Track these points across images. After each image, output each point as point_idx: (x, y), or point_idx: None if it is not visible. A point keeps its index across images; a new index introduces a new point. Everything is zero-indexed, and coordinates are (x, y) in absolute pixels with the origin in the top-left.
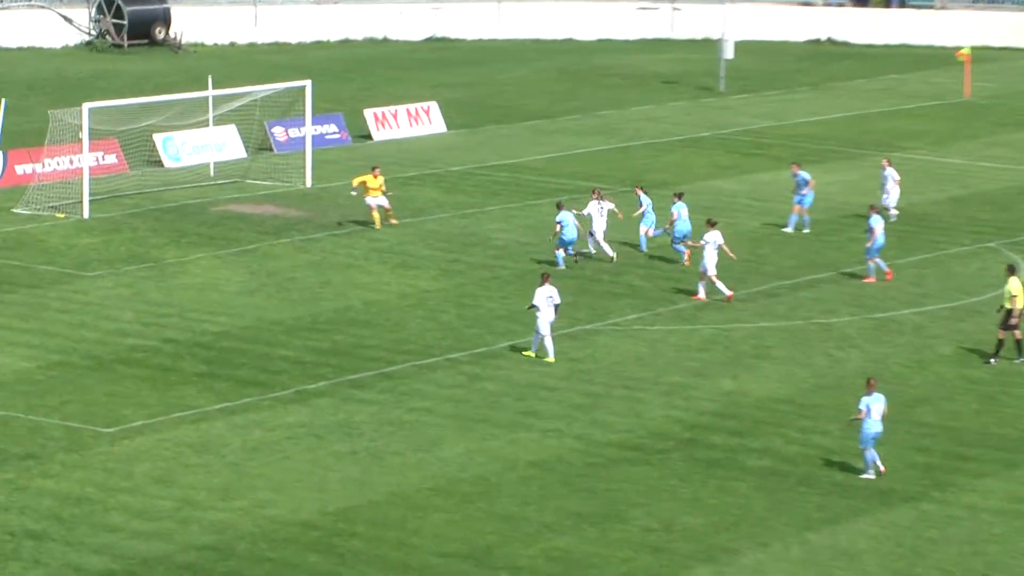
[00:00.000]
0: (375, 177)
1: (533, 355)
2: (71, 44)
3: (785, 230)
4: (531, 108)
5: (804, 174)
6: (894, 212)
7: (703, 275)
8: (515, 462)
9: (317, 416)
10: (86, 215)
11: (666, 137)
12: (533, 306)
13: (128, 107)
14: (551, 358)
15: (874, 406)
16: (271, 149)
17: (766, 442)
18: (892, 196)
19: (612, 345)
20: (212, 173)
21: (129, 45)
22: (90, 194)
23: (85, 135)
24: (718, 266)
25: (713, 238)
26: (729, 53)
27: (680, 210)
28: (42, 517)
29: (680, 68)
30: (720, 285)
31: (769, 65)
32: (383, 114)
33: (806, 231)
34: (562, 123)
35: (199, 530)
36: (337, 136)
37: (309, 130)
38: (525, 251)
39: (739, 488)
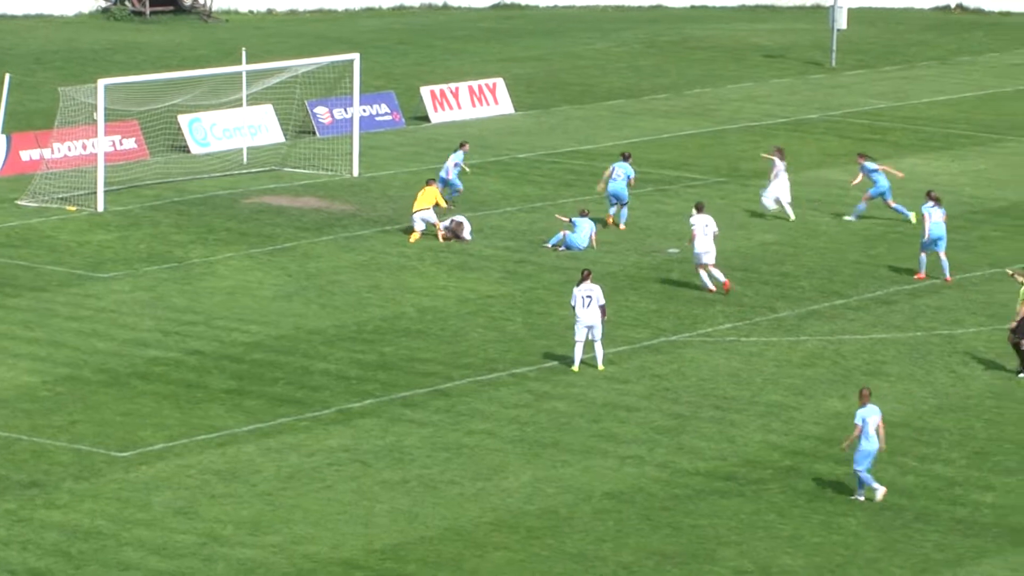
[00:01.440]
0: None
1: (576, 369)
2: (85, 11)
3: (848, 218)
4: (612, 86)
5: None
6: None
7: (699, 267)
8: (589, 493)
9: (362, 439)
10: (100, 208)
11: (768, 119)
12: (572, 308)
13: (150, 84)
14: (600, 367)
15: (870, 419)
16: (313, 132)
17: (878, 472)
18: (774, 190)
19: (702, 359)
20: (245, 160)
21: (151, 12)
22: (105, 184)
23: (100, 116)
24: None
25: (702, 222)
26: (842, 22)
27: (619, 169)
28: (47, 553)
29: (785, 40)
30: (705, 278)
31: (888, 36)
32: (442, 92)
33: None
34: (648, 103)
35: (225, 569)
36: (389, 118)
37: (357, 111)
38: (604, 250)
39: (847, 525)
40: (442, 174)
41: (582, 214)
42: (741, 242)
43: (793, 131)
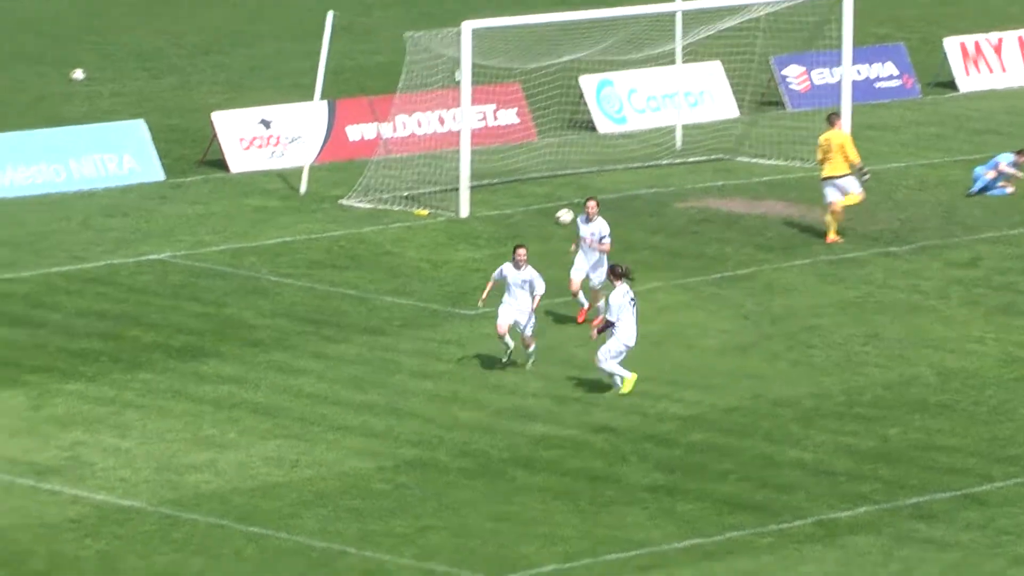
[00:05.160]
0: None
1: None
2: None
3: None
4: None
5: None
6: None
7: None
8: None
9: (853, 566)
10: (464, 212)
11: None
12: None
13: (539, 28)
14: None
15: None
16: (782, 104)
17: None
18: None
19: None
20: (679, 144)
21: None
22: (471, 177)
23: (465, 76)
24: None
25: None
26: None
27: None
28: None
29: None
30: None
31: None
32: (977, 46)
33: None
34: None
35: None
36: (897, 83)
37: (848, 73)
38: None
39: None
40: (980, 172)
41: None
42: None
43: None
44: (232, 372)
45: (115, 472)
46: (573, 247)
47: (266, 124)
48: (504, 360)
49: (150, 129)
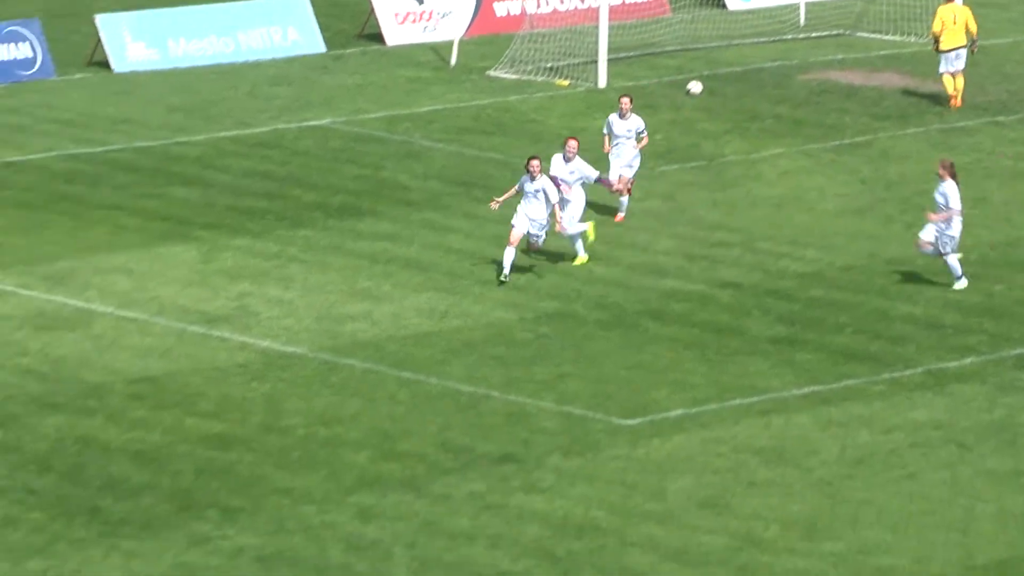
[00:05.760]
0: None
1: None
2: None
3: None
4: None
5: None
6: None
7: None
8: None
9: (960, 412)
10: (602, 82)
11: None
12: None
13: None
14: None
15: None
16: None
17: None
18: None
19: None
20: (803, 20)
21: None
22: (609, 50)
23: None
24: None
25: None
26: None
27: None
28: (524, 552)
29: None
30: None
31: None
32: None
33: None
34: None
35: None
36: None
37: None
38: None
39: None
40: None
41: None
42: None
43: None
44: (387, 230)
45: (279, 321)
46: (608, 147)
47: (419, 0)
48: (502, 278)
49: (312, 4)
